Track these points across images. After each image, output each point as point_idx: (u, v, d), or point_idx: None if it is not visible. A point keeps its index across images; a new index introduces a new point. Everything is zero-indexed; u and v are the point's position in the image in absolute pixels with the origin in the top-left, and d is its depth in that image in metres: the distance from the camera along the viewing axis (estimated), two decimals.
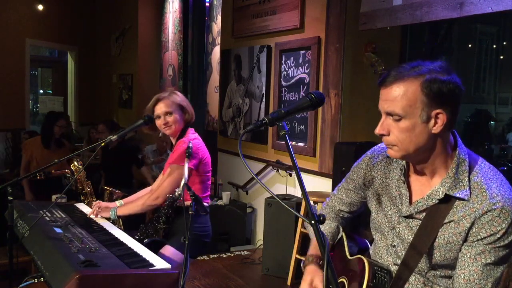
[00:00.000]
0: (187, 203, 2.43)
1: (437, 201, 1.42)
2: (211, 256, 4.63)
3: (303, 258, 3.97)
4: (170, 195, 2.51)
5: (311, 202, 3.86)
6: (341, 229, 1.76)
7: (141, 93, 7.66)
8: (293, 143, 4.48)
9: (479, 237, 1.36)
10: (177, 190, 2.47)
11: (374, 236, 1.66)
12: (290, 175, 4.55)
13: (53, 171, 4.10)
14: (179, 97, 2.73)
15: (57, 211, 2.52)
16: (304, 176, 4.16)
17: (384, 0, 3.60)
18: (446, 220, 1.40)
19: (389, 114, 1.39)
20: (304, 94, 3.92)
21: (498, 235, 1.34)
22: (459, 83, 1.36)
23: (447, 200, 1.41)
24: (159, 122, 2.68)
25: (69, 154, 4.81)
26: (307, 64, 4.33)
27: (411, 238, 1.47)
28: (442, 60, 1.41)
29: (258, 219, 5.08)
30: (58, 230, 2.14)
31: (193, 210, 2.02)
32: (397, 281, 1.49)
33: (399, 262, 1.51)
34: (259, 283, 4.14)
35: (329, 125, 4.13)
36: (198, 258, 4.46)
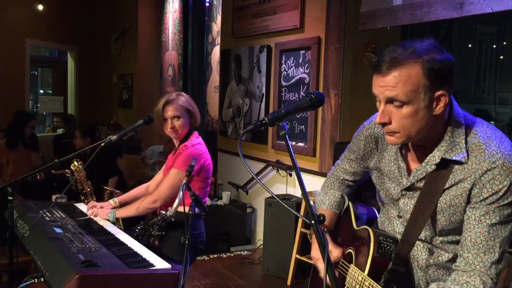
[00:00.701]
0: (183, 208, 2.40)
1: (434, 167, 1.40)
2: (211, 256, 4.63)
3: (303, 258, 3.98)
4: (162, 212, 2.45)
5: (311, 202, 3.85)
6: (346, 199, 1.76)
7: (141, 93, 7.66)
8: (293, 143, 4.48)
9: (481, 198, 1.34)
10: (169, 209, 2.37)
11: (380, 206, 1.67)
12: (290, 175, 4.55)
13: (53, 171, 4.10)
14: (186, 99, 2.70)
15: (57, 211, 2.51)
16: (304, 176, 4.16)
17: (384, 0, 3.60)
18: (447, 186, 1.39)
19: (389, 101, 1.35)
20: (304, 94, 3.92)
21: (500, 193, 1.32)
22: (453, 58, 1.34)
23: (446, 165, 1.39)
24: (165, 126, 2.66)
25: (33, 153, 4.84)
26: (307, 64, 4.33)
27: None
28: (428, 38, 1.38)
29: (258, 219, 5.08)
30: (58, 230, 2.14)
31: (193, 210, 2.02)
32: (403, 249, 1.49)
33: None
34: (259, 283, 4.14)
35: (329, 125, 4.13)
36: (198, 258, 4.46)
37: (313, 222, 1.21)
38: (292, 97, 4.55)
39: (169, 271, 1.81)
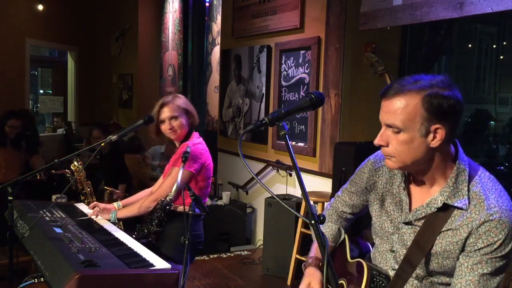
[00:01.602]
0: (183, 208, 2.40)
1: (435, 210, 1.43)
2: (211, 256, 4.63)
3: (303, 258, 3.98)
4: (162, 199, 2.48)
5: (311, 202, 3.86)
6: (343, 232, 1.77)
7: (141, 93, 7.66)
8: (293, 143, 4.48)
9: (476, 248, 1.37)
10: (169, 194, 2.42)
11: (374, 240, 1.68)
12: (290, 175, 4.55)
13: (52, 171, 4.10)
14: (183, 100, 2.72)
15: (57, 211, 2.52)
16: (304, 176, 4.15)
17: (384, 0, 3.60)
18: (444, 229, 1.42)
19: (388, 126, 1.40)
20: (304, 94, 3.92)
21: (495, 246, 1.36)
22: (460, 98, 1.37)
23: (446, 208, 1.42)
24: (164, 127, 2.66)
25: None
26: (307, 64, 4.33)
27: (409, 244, 1.48)
28: (444, 74, 1.43)
29: (258, 219, 5.08)
30: (58, 230, 2.14)
31: (193, 209, 2.02)
32: (394, 286, 1.50)
33: (397, 267, 1.52)
34: (259, 283, 4.14)
35: (329, 125, 4.13)
36: (198, 258, 4.47)
37: (313, 222, 1.22)
38: (292, 97, 4.55)
39: (169, 271, 1.81)
